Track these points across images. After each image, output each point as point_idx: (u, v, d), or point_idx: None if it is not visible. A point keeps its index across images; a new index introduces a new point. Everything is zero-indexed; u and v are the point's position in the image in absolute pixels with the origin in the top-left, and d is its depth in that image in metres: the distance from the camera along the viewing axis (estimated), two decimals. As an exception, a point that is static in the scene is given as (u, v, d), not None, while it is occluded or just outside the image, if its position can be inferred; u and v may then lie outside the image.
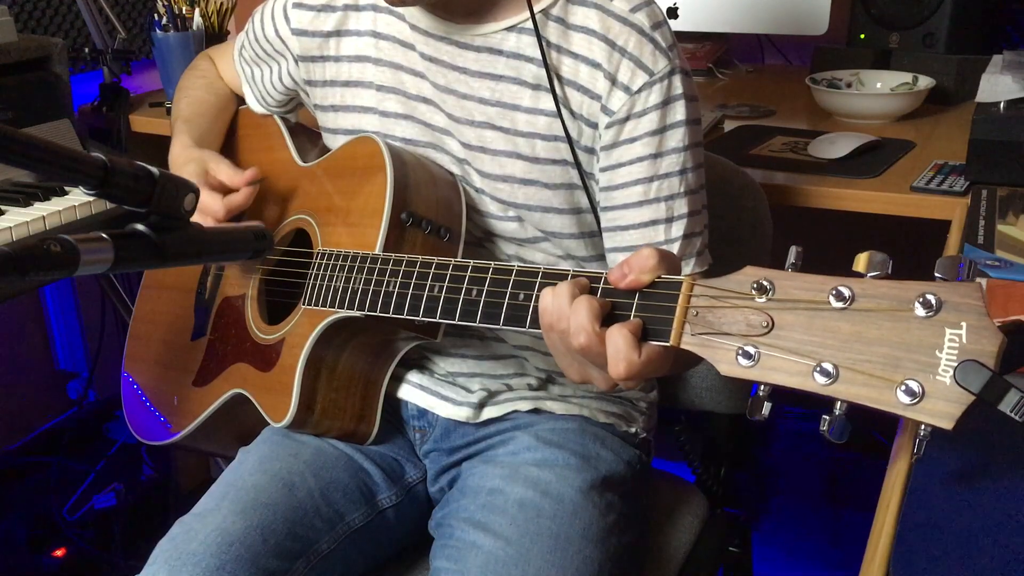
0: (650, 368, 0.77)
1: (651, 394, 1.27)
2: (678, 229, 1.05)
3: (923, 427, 0.64)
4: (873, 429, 2.17)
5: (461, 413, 1.15)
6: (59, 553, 2.04)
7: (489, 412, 1.15)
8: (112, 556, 2.05)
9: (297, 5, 1.17)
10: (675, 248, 1.04)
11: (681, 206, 1.04)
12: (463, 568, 1.02)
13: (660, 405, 1.29)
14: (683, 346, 0.74)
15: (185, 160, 1.21)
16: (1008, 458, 0.75)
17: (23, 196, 1.49)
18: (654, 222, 1.04)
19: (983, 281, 0.94)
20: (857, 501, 2.20)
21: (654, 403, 1.27)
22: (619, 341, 0.76)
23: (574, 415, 1.17)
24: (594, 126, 1.05)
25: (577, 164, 1.06)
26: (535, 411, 1.16)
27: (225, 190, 1.18)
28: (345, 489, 1.13)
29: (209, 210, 1.15)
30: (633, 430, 1.21)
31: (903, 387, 0.64)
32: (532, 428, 1.15)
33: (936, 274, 0.66)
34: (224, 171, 1.19)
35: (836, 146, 1.49)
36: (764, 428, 2.39)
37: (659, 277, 0.77)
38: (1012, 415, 0.61)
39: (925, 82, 1.70)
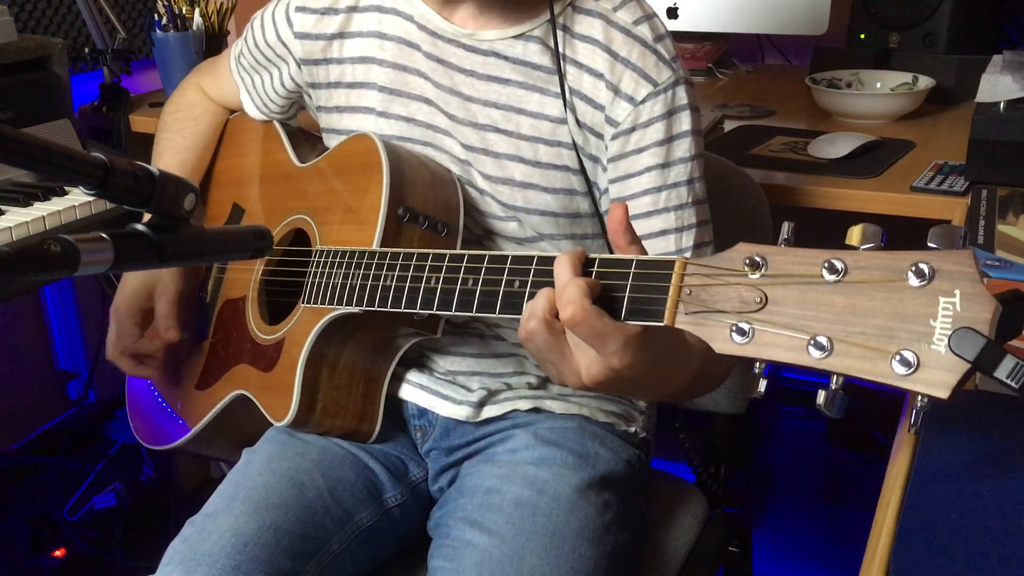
0: (603, 327, 0.75)
1: (651, 394, 1.27)
2: (688, 239, 1.05)
3: (920, 398, 0.63)
4: (873, 429, 2.17)
5: (461, 412, 1.15)
6: (59, 553, 2.04)
7: (489, 411, 1.15)
8: (112, 556, 2.05)
9: (300, 9, 1.16)
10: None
11: (690, 216, 1.05)
12: (459, 567, 1.02)
13: (660, 405, 1.29)
14: (677, 325, 0.73)
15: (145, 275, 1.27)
16: (1009, 458, 0.75)
17: (23, 196, 1.49)
18: (664, 232, 1.04)
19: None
20: (857, 501, 2.19)
21: (654, 403, 1.27)
22: (571, 290, 0.75)
23: (574, 414, 1.17)
24: (599, 136, 1.05)
25: (582, 170, 1.06)
26: (535, 410, 1.16)
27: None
28: (353, 488, 1.13)
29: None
30: (633, 429, 1.21)
31: (898, 357, 0.63)
32: (531, 427, 1.15)
33: (929, 243, 0.65)
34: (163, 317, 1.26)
35: (836, 146, 1.49)
36: (764, 428, 2.39)
37: (647, 256, 0.77)
38: (1008, 381, 0.60)
39: (925, 82, 1.70)
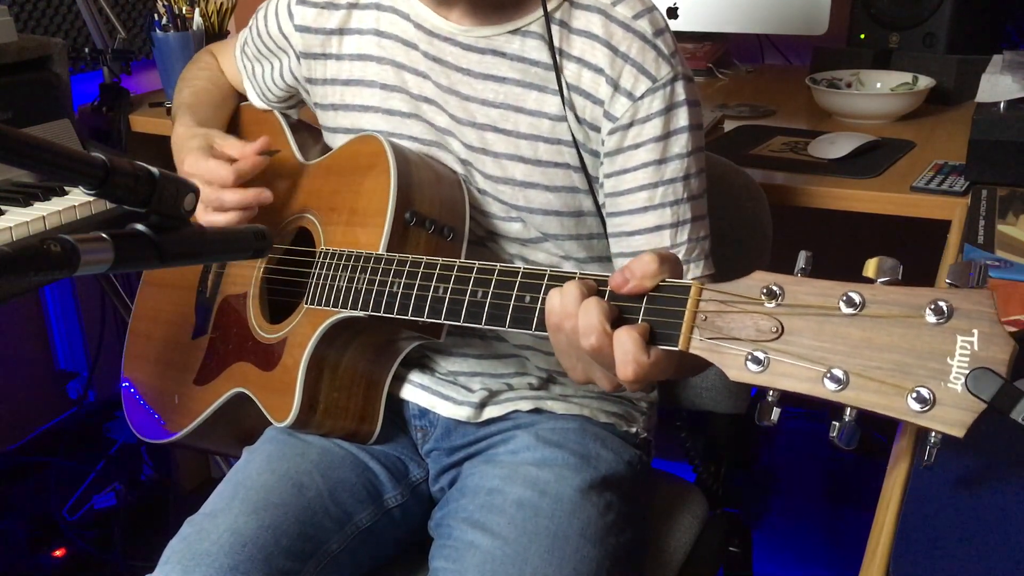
0: (657, 371, 0.76)
1: (652, 394, 1.27)
2: (683, 234, 1.05)
3: (934, 434, 0.64)
4: (873, 429, 2.17)
5: (462, 412, 1.15)
6: (59, 553, 2.04)
7: (490, 412, 1.15)
8: (112, 556, 2.05)
9: (301, 2, 1.16)
10: (680, 253, 1.04)
11: (685, 211, 1.05)
12: (461, 568, 1.02)
13: (660, 405, 1.29)
14: (692, 351, 0.73)
15: (189, 136, 1.19)
16: (1008, 459, 0.75)
17: (23, 196, 1.49)
18: (659, 227, 1.04)
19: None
20: (857, 501, 2.19)
21: (655, 403, 1.27)
22: (628, 343, 0.75)
23: (575, 415, 1.17)
24: (597, 130, 1.05)
25: (583, 167, 1.06)
26: (536, 411, 1.16)
27: (233, 163, 1.13)
28: (352, 489, 1.13)
29: (217, 177, 1.11)
30: (634, 430, 1.21)
31: (914, 394, 0.63)
32: (533, 428, 1.15)
33: (947, 280, 0.65)
34: (232, 144, 1.16)
35: (836, 146, 1.49)
36: (764, 428, 2.39)
37: (663, 281, 0.76)
38: None
39: (925, 82, 1.70)
